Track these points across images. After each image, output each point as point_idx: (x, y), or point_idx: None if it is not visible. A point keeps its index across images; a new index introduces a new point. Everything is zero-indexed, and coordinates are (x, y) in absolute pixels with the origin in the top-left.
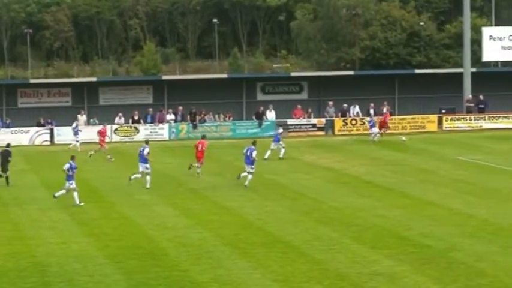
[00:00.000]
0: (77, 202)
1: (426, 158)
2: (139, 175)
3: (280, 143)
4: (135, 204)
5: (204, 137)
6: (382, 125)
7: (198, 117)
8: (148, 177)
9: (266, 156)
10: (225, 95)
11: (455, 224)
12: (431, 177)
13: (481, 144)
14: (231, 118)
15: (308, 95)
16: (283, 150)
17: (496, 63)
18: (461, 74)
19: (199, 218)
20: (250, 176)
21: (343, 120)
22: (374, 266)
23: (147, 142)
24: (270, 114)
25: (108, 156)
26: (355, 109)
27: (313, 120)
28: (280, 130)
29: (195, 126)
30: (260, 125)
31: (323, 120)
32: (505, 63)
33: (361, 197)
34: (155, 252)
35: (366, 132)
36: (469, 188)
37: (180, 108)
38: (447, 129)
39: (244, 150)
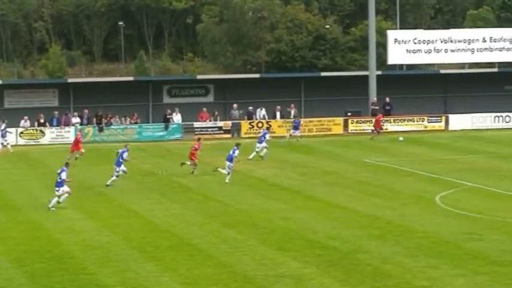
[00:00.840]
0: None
1: (332, 161)
2: (114, 177)
3: (264, 144)
4: (42, 207)
5: (199, 139)
6: (377, 126)
7: (104, 120)
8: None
9: (251, 156)
10: (131, 98)
11: (361, 226)
12: (337, 180)
13: (387, 147)
14: (138, 121)
15: (214, 97)
16: (265, 151)
17: (401, 66)
18: (366, 76)
19: (106, 221)
20: (224, 171)
21: (250, 123)
22: (281, 268)
23: (126, 146)
24: (176, 117)
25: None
26: (262, 112)
27: (220, 123)
28: (266, 131)
29: (101, 129)
30: (166, 127)
31: (229, 123)
32: (410, 66)
33: (267, 199)
34: (62, 255)
35: (271, 134)
36: (375, 190)
37: (86, 111)
38: (353, 131)
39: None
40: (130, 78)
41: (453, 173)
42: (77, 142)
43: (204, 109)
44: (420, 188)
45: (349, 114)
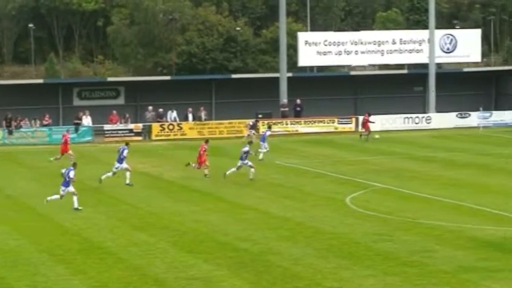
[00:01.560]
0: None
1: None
2: (109, 173)
3: (265, 144)
4: None
5: (207, 141)
6: (365, 127)
7: (13, 123)
8: (128, 173)
9: (260, 157)
10: (41, 101)
11: (272, 227)
12: (248, 182)
13: (297, 149)
14: (50, 121)
15: (125, 100)
16: (265, 151)
17: (311, 68)
18: (277, 78)
19: (16, 224)
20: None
21: (161, 125)
22: (192, 270)
23: (127, 144)
24: (86, 120)
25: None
26: (173, 114)
27: (130, 126)
28: (268, 132)
29: (10, 132)
30: (77, 130)
31: (140, 125)
32: (321, 68)
33: (178, 201)
34: None
35: (182, 137)
36: (286, 191)
37: None
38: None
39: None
40: (40, 81)
41: (363, 174)
42: (65, 143)
43: (114, 111)
44: (331, 190)
45: (260, 116)
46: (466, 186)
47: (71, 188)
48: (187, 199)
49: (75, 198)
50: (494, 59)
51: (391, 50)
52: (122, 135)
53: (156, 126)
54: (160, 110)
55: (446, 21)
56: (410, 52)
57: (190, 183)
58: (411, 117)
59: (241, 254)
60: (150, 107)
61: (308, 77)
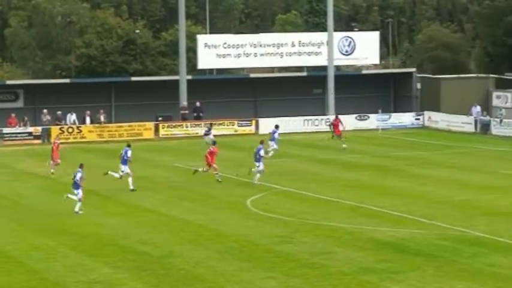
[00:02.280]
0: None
1: (143, 166)
2: (116, 175)
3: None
4: None
5: (214, 143)
6: (337, 131)
7: None
8: (130, 179)
9: (270, 155)
10: None
11: (173, 230)
12: (149, 185)
13: (198, 151)
14: None
15: (24, 103)
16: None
17: (211, 70)
18: (177, 81)
19: None
20: (258, 175)
21: (60, 128)
22: (93, 274)
23: (128, 145)
24: None
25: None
26: (72, 117)
27: (30, 129)
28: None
29: None
30: None
31: (39, 128)
32: (220, 71)
33: None
34: None
35: (82, 140)
36: (186, 194)
37: None
38: (164, 136)
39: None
40: None
41: (264, 177)
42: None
43: (13, 115)
44: (231, 192)
45: (160, 119)
46: (365, 188)
47: (80, 193)
48: (89, 203)
49: (79, 203)
50: (392, 61)
51: (290, 53)
52: (21, 138)
53: (55, 129)
54: (59, 112)
55: (345, 23)
56: (309, 54)
57: (92, 187)
58: (311, 119)
59: (142, 257)
60: (45, 110)
61: (208, 79)
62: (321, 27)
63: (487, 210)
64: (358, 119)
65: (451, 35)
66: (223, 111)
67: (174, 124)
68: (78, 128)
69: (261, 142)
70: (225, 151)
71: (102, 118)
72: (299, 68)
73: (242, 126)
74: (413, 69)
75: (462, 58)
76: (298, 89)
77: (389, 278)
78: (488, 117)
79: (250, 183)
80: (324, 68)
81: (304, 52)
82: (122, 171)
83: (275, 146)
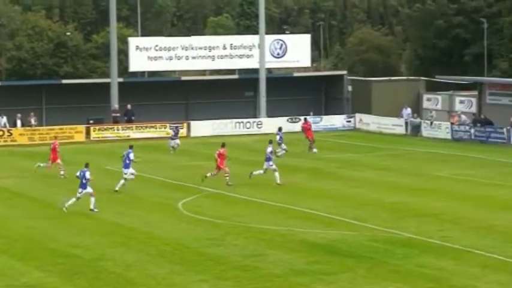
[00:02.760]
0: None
1: (75, 168)
2: (122, 181)
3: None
4: None
5: (223, 145)
6: (308, 134)
7: None
8: (276, 174)
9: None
10: None
11: (104, 233)
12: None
13: None
14: None
15: None
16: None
17: (142, 73)
18: (108, 84)
19: None
20: (276, 173)
21: None
22: (24, 277)
23: (131, 147)
24: None
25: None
26: (3, 120)
27: None
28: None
29: None
30: None
31: None
32: (152, 73)
33: (9, 208)
34: None
35: (13, 143)
36: (118, 197)
37: None
38: (95, 139)
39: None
40: None
41: (195, 179)
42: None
43: None
44: (163, 195)
45: (91, 121)
46: (296, 191)
47: (89, 189)
48: (19, 205)
49: (92, 199)
50: (324, 64)
51: (221, 55)
52: None
53: None
54: None
55: (277, 26)
56: (240, 57)
57: (23, 190)
58: (242, 122)
59: (73, 260)
60: None
61: (139, 82)
62: (252, 30)
63: (418, 211)
64: (290, 122)
65: (382, 37)
66: (155, 114)
67: (105, 127)
68: (8, 131)
69: (270, 142)
70: (157, 154)
71: (33, 121)
72: (231, 71)
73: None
74: (344, 72)
75: (393, 61)
76: (229, 92)
77: (320, 280)
78: (418, 120)
79: (276, 183)
80: (255, 71)
81: (236, 55)
82: (125, 174)
83: (284, 147)
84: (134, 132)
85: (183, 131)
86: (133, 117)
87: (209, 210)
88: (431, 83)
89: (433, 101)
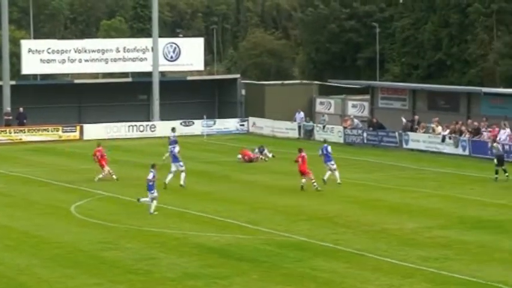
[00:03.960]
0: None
1: None
2: (171, 175)
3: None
4: None
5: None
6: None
7: None
8: (183, 174)
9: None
10: None
11: None
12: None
13: (22, 157)
14: None
15: None
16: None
17: (35, 76)
18: (0, 87)
19: None
20: (336, 173)
21: None
22: None
23: (176, 142)
24: None
25: (114, 176)
26: None
27: None
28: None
29: None
30: None
31: None
32: (45, 76)
33: None
34: None
35: None
36: (10, 200)
37: None
38: None
39: (319, 152)
40: None
41: (88, 183)
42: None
43: None
44: (56, 198)
45: None
46: (190, 194)
47: (155, 193)
48: None
49: (154, 203)
50: (217, 68)
51: (115, 59)
52: None
53: None
54: None
55: (170, 29)
56: (134, 60)
57: None
58: (136, 125)
59: None
60: None
61: (32, 85)
62: (145, 33)
63: (311, 215)
64: (184, 125)
65: (275, 41)
66: (47, 117)
67: None
68: None
69: (325, 141)
70: (49, 157)
71: None
72: (124, 74)
73: (67, 132)
74: (237, 76)
75: (286, 65)
76: (123, 95)
77: (214, 283)
78: (311, 123)
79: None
80: (149, 74)
81: (129, 58)
82: (175, 169)
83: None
84: (27, 135)
85: (75, 134)
86: (25, 121)
87: (102, 213)
88: (324, 87)
89: (325, 105)
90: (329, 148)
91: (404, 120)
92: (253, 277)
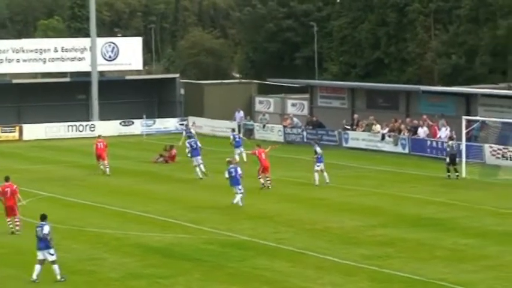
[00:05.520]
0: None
1: None
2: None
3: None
4: None
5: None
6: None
7: None
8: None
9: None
10: None
11: None
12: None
13: None
14: None
15: None
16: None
17: None
18: None
19: None
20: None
21: None
22: None
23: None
24: None
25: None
26: None
27: None
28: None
29: None
30: None
31: None
32: None
33: None
34: None
35: None
36: None
37: None
38: None
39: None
40: None
41: (29, 183)
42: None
43: None
44: None
45: None
46: (131, 194)
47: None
48: None
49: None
50: (156, 67)
51: (53, 58)
52: None
53: None
54: None
55: (108, 29)
56: (72, 60)
57: None
58: (75, 125)
59: None
60: None
61: None
62: (83, 33)
63: (252, 214)
64: (123, 125)
65: (213, 40)
66: None
67: None
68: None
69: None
70: None
71: None
72: (62, 74)
73: (6, 132)
74: (176, 75)
75: (225, 64)
76: (62, 95)
77: (157, 283)
78: (252, 122)
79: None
80: (87, 74)
81: (67, 58)
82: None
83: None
84: None
85: (15, 135)
86: None
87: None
88: (263, 86)
89: (265, 104)
90: (318, 149)
91: (345, 125)
92: (196, 276)
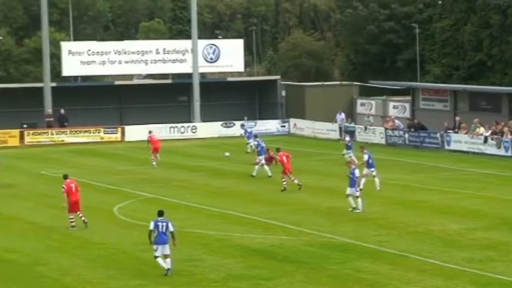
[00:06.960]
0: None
1: (9, 173)
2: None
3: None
4: None
5: (278, 150)
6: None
7: None
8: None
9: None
10: None
11: (39, 237)
12: (16, 192)
13: (64, 159)
14: None
15: None
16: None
17: (76, 77)
18: (41, 88)
19: None
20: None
21: None
22: None
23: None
24: None
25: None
26: None
27: None
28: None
29: None
30: None
31: None
32: (85, 78)
33: None
34: None
35: None
36: (52, 201)
37: None
38: (29, 143)
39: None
40: None
41: (130, 184)
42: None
43: None
44: (98, 199)
45: (25, 126)
46: (233, 195)
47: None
48: None
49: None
50: (257, 69)
51: (155, 60)
52: None
53: None
54: None
55: (209, 31)
56: (174, 62)
57: None
58: (177, 127)
59: (8, 265)
60: None
61: (72, 86)
62: (184, 34)
63: (354, 216)
64: (224, 126)
65: (314, 42)
66: (89, 119)
67: (39, 131)
68: None
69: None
70: (91, 158)
71: None
72: (164, 76)
73: (108, 133)
74: (277, 77)
75: (326, 66)
76: (163, 97)
77: (258, 285)
78: (353, 124)
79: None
80: (189, 76)
81: (169, 59)
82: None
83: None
84: (68, 137)
85: (117, 136)
86: (66, 124)
87: (145, 214)
88: (364, 88)
89: (366, 106)
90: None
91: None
92: (298, 278)
